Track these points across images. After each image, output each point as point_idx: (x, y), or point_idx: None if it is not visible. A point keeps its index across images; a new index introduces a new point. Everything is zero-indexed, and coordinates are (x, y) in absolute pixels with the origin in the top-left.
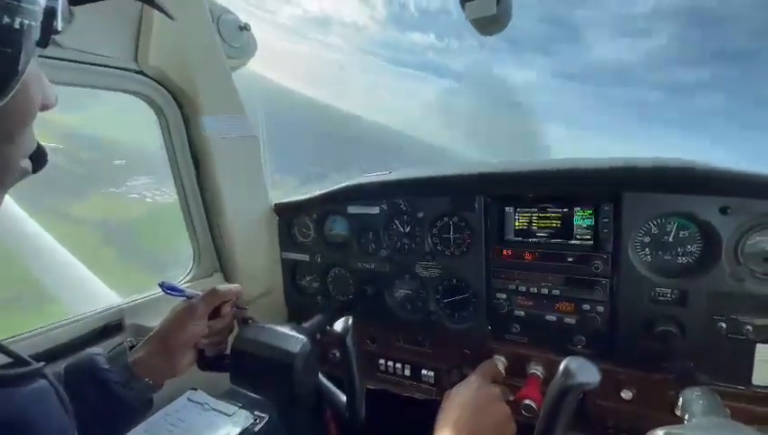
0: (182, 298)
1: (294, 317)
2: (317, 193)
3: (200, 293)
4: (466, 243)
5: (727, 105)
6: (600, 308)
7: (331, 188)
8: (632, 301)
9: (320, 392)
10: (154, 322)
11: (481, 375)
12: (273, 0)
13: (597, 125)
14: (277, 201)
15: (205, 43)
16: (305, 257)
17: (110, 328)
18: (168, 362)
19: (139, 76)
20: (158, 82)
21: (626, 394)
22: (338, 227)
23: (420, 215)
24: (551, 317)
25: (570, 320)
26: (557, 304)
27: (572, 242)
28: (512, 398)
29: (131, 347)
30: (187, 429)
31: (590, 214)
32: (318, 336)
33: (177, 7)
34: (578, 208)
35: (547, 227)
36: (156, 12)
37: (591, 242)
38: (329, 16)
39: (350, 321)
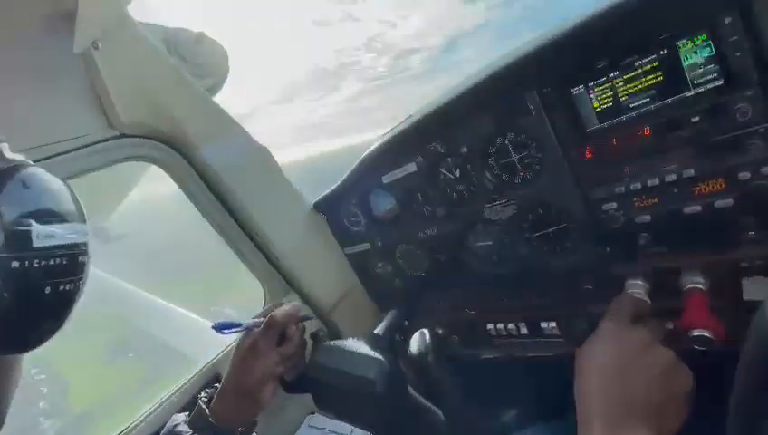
0: (242, 332)
1: (385, 307)
2: (345, 175)
3: (260, 320)
4: (536, 159)
5: None
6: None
7: (356, 164)
8: None
9: (415, 409)
10: None
11: (616, 319)
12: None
13: None
14: (314, 200)
15: (165, 74)
16: (366, 246)
17: (210, 384)
18: (249, 403)
19: (123, 139)
20: (143, 136)
21: None
22: (382, 203)
23: (464, 150)
24: (693, 208)
25: (724, 201)
26: (696, 188)
27: (691, 93)
28: (671, 326)
29: (209, 401)
30: None
31: (704, 40)
32: (397, 337)
33: (126, 50)
34: (682, 41)
35: (645, 90)
36: (106, 68)
37: (722, 80)
38: None
39: (428, 336)
